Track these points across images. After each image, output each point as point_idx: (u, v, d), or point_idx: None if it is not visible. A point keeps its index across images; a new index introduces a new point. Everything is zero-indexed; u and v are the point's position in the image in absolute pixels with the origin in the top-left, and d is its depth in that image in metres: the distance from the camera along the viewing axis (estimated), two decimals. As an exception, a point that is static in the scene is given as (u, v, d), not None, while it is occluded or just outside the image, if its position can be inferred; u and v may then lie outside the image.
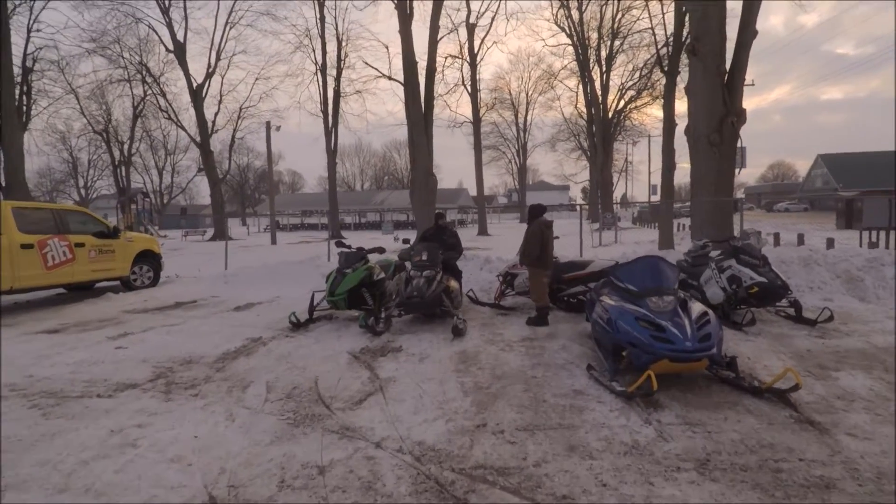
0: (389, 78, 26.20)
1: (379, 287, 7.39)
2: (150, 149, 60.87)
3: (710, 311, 4.24)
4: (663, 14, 17.15)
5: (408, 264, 7.25)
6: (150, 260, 11.11)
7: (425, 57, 23.23)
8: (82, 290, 10.46)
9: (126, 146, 50.97)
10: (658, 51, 16.99)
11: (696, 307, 4.29)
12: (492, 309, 8.02)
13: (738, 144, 10.33)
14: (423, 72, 23.38)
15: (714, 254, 7.13)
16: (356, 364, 5.10)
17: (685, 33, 15.08)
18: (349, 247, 7.69)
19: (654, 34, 17.03)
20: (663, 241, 15.47)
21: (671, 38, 15.43)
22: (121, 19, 31.38)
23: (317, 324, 7.13)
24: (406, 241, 9.05)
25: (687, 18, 12.11)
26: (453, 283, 6.97)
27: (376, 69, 23.39)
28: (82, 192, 64.15)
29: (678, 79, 15.49)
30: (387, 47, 37.62)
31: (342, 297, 6.93)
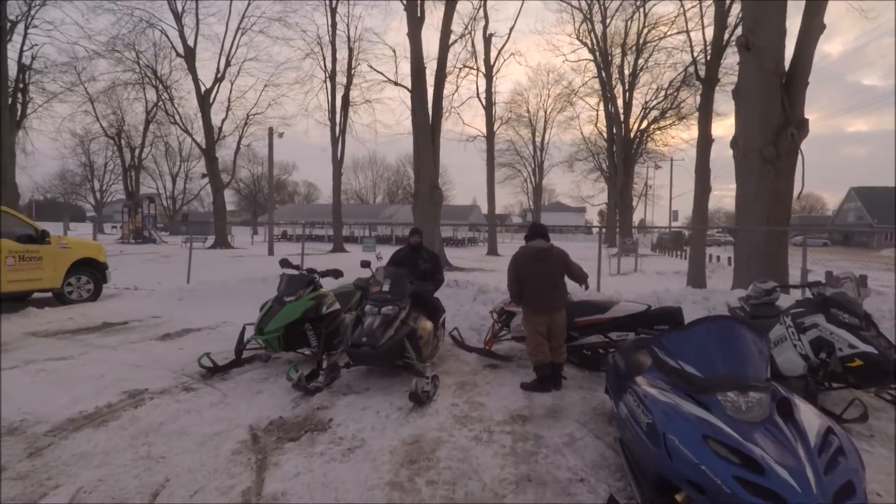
0: (395, 83, 24.85)
1: (329, 323, 5.63)
2: (165, 155, 60.42)
3: (835, 426, 2.36)
4: (702, 15, 15.42)
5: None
6: (91, 269, 9.48)
7: (435, 64, 21.91)
8: (14, 301, 8.87)
9: (137, 151, 50.45)
10: (694, 56, 15.21)
11: (809, 415, 2.41)
12: (480, 356, 6.20)
13: (798, 161, 8.43)
14: (433, 79, 22.01)
15: (786, 302, 5.24)
16: (244, 456, 3.30)
17: (726, 37, 13.34)
18: (297, 267, 5.96)
19: (688, 37, 15.28)
20: (693, 276, 13.51)
21: (710, 43, 13.66)
22: (135, 23, 30.79)
23: (242, 368, 5.37)
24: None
25: (735, 13, 10.29)
26: (425, 325, 5.16)
27: (381, 73, 22.24)
28: (97, 195, 63.96)
29: (717, 88, 13.66)
30: (394, 50, 35.93)
31: (274, 335, 5.17)
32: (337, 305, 5.80)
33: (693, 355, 2.64)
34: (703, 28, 13.92)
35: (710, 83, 13.82)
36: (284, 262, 6.00)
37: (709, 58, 13.85)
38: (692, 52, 15.01)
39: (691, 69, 27.08)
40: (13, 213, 8.52)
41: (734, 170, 9.58)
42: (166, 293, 10.15)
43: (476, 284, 8.71)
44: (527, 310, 5.01)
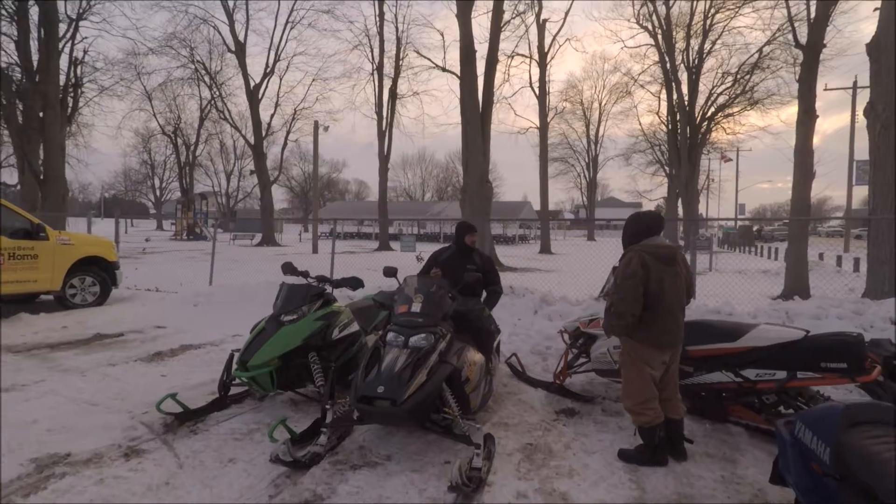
0: (443, 69, 23.34)
1: (343, 351, 4.13)
2: (220, 152, 61.43)
3: None
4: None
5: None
6: (98, 270, 8.42)
7: (486, 48, 20.20)
8: (17, 304, 7.96)
9: (192, 148, 51.38)
10: (791, 17, 12.79)
11: None
12: (549, 394, 4.56)
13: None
14: (483, 64, 20.31)
15: None
16: None
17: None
18: (303, 274, 4.50)
19: (787, 1, 12.84)
20: (794, 279, 11.24)
21: (812, 3, 11.35)
22: (190, 20, 30.88)
23: (227, 412, 3.95)
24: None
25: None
26: (473, 361, 3.55)
27: (429, 59, 20.61)
28: (157, 192, 66.02)
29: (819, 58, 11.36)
30: (442, 34, 34.23)
31: (264, 371, 3.70)
32: (355, 327, 4.29)
33: None
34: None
35: (813, 49, 11.46)
36: (287, 268, 4.54)
37: (812, 18, 11.52)
38: (789, 12, 12.64)
39: (781, 39, 24.36)
40: (9, 206, 7.52)
41: (868, 144, 7.52)
42: (184, 297, 8.99)
43: (537, 292, 7.01)
44: (644, 343, 3.27)
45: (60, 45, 20.72)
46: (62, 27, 20.84)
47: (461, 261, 4.39)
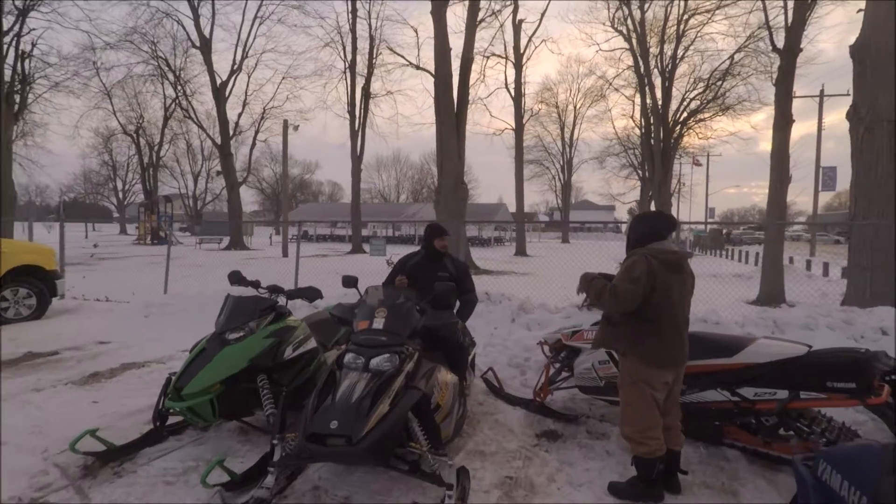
0: (417, 67, 22.85)
1: (297, 373, 3.65)
2: (187, 153, 59.55)
3: None
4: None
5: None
6: (35, 280, 7.70)
7: (461, 46, 19.83)
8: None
9: (156, 149, 49.69)
10: (768, 21, 12.75)
11: None
12: (529, 413, 4.16)
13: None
14: (458, 63, 19.92)
15: None
16: None
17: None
18: (255, 284, 4.00)
19: (764, 5, 12.78)
20: (769, 284, 11.14)
21: (790, 7, 11.31)
22: (152, 13, 29.67)
23: (161, 447, 3.42)
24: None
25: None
26: (445, 382, 3.11)
27: (402, 56, 20.06)
28: (120, 195, 63.72)
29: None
30: (416, 31, 33.33)
31: (202, 399, 3.19)
32: (312, 343, 3.80)
33: None
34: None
35: (790, 53, 11.43)
36: (235, 277, 4.02)
37: (790, 22, 11.48)
38: (766, 16, 12.60)
39: (751, 48, 24.61)
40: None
41: (850, 148, 7.37)
42: (134, 307, 8.31)
43: (514, 299, 6.61)
44: (645, 361, 2.88)
45: (7, 38, 19.55)
46: (9, 19, 19.70)
47: (431, 268, 3.94)
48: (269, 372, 3.50)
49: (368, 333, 2.99)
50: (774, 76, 11.87)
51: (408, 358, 2.93)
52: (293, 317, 3.93)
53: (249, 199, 77.23)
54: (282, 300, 3.92)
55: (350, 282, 3.69)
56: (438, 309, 3.64)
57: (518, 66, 29.48)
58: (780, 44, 11.64)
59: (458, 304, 4.04)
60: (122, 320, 7.60)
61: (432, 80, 18.85)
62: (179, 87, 34.48)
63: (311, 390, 3.05)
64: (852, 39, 7.13)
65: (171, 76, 33.88)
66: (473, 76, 24.63)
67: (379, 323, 3.02)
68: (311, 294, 3.92)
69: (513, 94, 30.15)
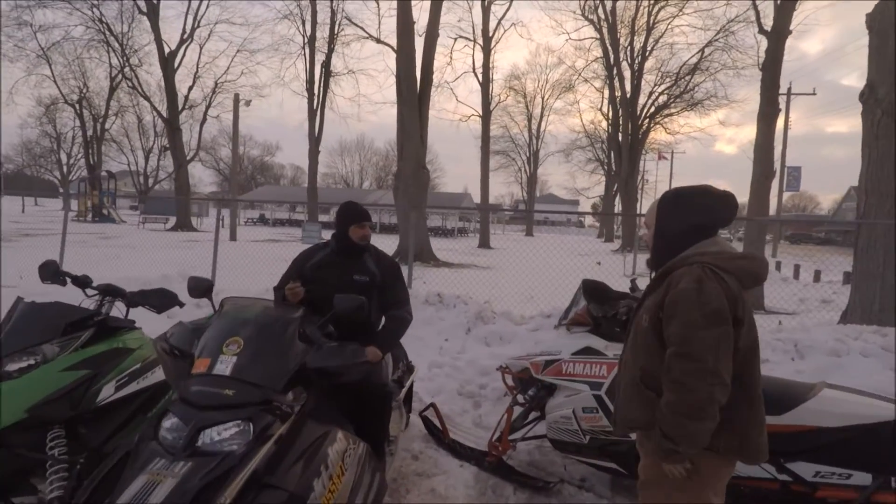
0: (378, 41, 21.27)
1: (120, 424, 2.34)
2: (138, 128, 55.76)
3: None
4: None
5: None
6: None
7: (426, 19, 18.41)
8: None
9: (101, 121, 46.23)
10: (756, 5, 11.90)
11: None
12: (482, 473, 2.96)
13: None
14: (422, 41, 18.53)
15: None
16: None
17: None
18: (80, 282, 2.65)
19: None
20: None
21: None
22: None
23: None
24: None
25: None
26: (340, 458, 1.86)
27: (362, 28, 18.44)
28: (64, 168, 59.53)
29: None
30: (377, 2, 30.88)
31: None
32: (157, 376, 2.49)
33: None
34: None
35: (778, 35, 10.59)
36: (48, 271, 2.67)
37: (778, 1, 10.64)
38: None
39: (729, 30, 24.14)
40: None
41: (861, 134, 6.45)
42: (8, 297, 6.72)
43: (473, 304, 5.34)
44: (727, 455, 1.61)
45: None
46: None
47: (343, 267, 2.63)
48: (70, 424, 2.19)
49: (205, 383, 1.71)
50: (761, 60, 10.99)
51: (268, 427, 1.67)
52: (136, 333, 2.61)
53: (208, 179, 73.87)
54: (113, 310, 2.59)
55: (200, 289, 2.36)
56: (351, 330, 2.38)
57: (486, 50, 28.30)
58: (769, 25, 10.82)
59: (383, 321, 2.77)
60: None
61: (394, 55, 17.45)
62: (124, 56, 31.81)
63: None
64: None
65: (115, 43, 31.20)
66: (440, 59, 23.32)
67: (226, 364, 1.75)
68: (161, 300, 2.59)
69: (480, 79, 28.96)
